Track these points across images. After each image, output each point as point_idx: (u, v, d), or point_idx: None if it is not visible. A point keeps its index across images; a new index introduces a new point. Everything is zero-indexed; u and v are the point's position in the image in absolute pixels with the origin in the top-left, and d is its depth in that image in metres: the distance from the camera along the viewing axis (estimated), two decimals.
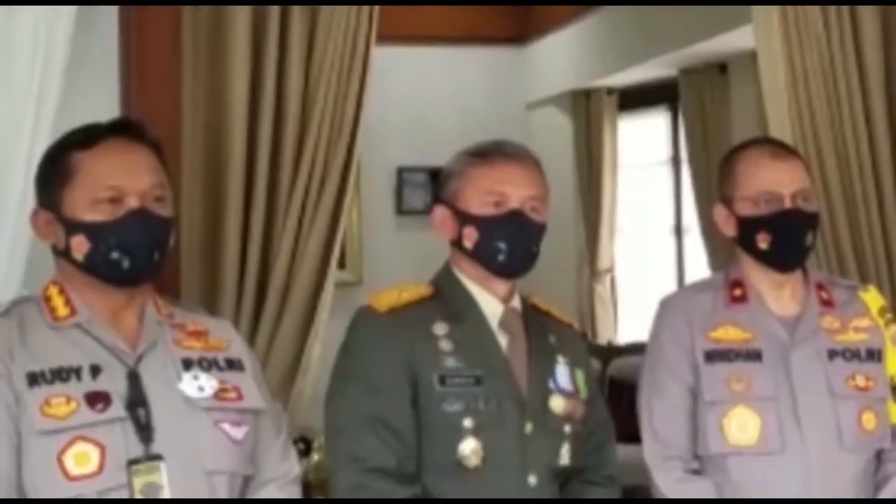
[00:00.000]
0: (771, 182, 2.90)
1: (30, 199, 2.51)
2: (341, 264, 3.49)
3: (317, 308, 3.39)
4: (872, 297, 3.07)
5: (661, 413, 2.96)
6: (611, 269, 8.64)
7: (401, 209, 8.09)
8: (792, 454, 2.84)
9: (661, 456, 2.94)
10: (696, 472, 2.93)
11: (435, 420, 2.61)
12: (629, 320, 8.61)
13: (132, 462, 2.11)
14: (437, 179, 8.89)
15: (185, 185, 3.25)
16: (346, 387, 2.67)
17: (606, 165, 8.48)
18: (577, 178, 8.51)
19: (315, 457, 5.63)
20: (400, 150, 7.77)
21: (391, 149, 7.57)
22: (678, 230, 8.35)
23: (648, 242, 8.61)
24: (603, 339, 8.31)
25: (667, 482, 2.91)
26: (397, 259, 7.45)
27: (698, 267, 7.63)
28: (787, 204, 2.90)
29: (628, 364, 7.07)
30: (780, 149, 3.02)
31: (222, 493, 2.34)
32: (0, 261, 2.90)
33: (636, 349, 6.96)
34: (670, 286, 7.95)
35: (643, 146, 8.62)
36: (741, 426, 2.87)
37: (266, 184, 3.34)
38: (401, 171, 8.03)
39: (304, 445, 5.50)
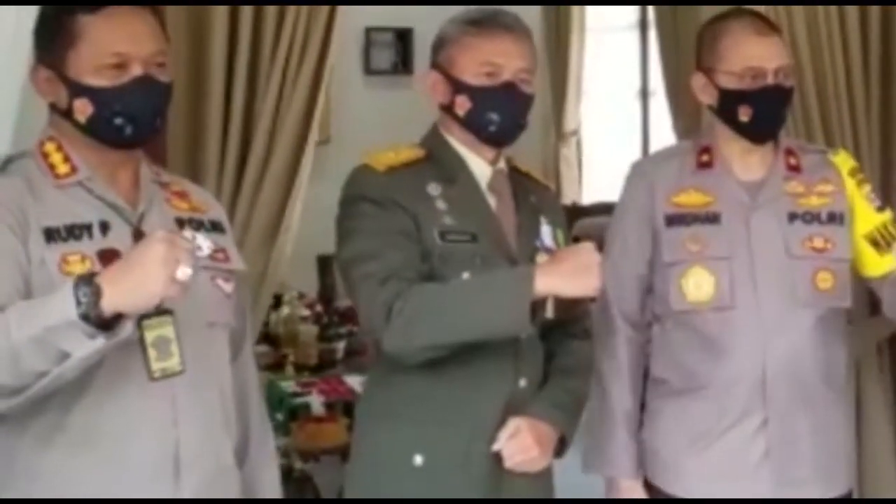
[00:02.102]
0: (756, 58, 2.96)
1: (22, 55, 2.50)
2: None
3: (300, 164, 3.43)
4: (843, 160, 3.15)
5: (615, 275, 3.03)
6: (576, 132, 8.69)
7: (368, 69, 8.08)
8: (746, 310, 2.96)
9: (606, 312, 3.09)
10: (638, 331, 3.09)
11: (437, 272, 2.67)
12: (594, 181, 8.70)
13: (143, 317, 2.13)
14: (404, 40, 8.78)
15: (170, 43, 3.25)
16: (353, 227, 2.71)
17: (574, 28, 8.48)
18: (544, 41, 8.50)
19: (285, 310, 5.72)
20: (367, 10, 7.71)
21: (359, 9, 7.51)
22: (644, 94, 8.41)
23: (614, 105, 8.66)
24: (568, 200, 8.40)
25: (599, 335, 3.06)
26: (365, 118, 7.46)
27: (663, 130, 7.70)
28: (770, 80, 2.96)
29: (592, 224, 7.16)
30: (764, 24, 3.06)
31: (221, 344, 2.42)
32: None
33: (600, 209, 7.07)
34: (635, 149, 8.05)
35: (611, 9, 8.62)
36: (697, 285, 2.98)
37: (249, 40, 3.35)
38: (368, 31, 8.00)
39: (275, 300, 5.57)
